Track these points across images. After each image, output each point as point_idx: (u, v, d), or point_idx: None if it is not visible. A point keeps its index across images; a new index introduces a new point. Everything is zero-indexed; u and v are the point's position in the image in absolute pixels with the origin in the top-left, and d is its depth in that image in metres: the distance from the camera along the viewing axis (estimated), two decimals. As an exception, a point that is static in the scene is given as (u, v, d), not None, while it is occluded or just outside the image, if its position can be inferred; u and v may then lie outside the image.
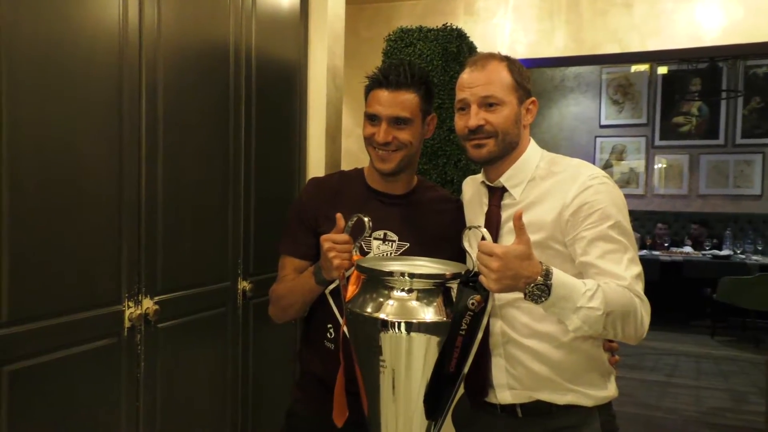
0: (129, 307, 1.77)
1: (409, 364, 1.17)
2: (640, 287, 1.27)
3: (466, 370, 1.22)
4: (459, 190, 2.58)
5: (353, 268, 1.30)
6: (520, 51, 3.93)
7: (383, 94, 1.50)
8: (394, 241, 1.54)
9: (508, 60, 1.43)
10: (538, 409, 1.36)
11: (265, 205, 2.38)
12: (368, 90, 1.56)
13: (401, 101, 1.49)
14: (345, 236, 1.34)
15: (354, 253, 1.34)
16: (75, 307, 1.61)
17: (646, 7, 3.70)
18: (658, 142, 7.86)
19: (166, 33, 1.88)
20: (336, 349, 1.49)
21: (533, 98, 1.44)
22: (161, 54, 1.87)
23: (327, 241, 1.35)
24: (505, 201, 1.43)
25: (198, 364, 2.08)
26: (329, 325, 1.55)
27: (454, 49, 2.49)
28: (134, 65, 1.77)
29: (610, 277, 1.25)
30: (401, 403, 1.19)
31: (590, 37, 3.79)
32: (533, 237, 1.29)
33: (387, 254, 1.53)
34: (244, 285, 2.29)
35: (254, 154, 2.33)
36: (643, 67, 7.69)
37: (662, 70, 7.61)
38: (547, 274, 1.15)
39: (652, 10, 3.69)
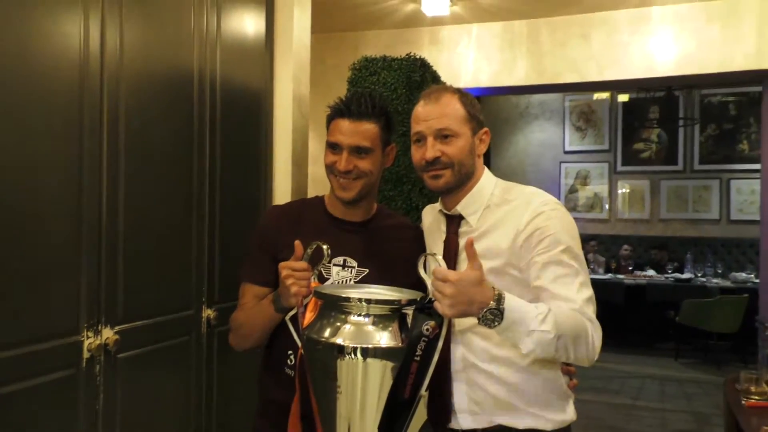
0: (88, 338, 1.74)
1: (364, 390, 1.17)
2: (591, 310, 1.30)
3: (421, 394, 1.22)
4: None
5: (312, 295, 1.30)
6: (483, 80, 4.03)
7: (345, 124, 1.52)
8: (354, 267, 1.55)
9: (459, 93, 1.46)
10: None
11: (230, 233, 2.37)
12: (330, 119, 1.58)
13: (362, 131, 1.52)
14: (303, 264, 1.35)
15: (312, 280, 1.35)
16: (32, 338, 1.58)
17: (603, 39, 3.83)
18: (620, 168, 8.07)
19: (128, 59, 1.88)
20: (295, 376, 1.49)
21: (486, 128, 1.48)
22: (123, 81, 1.87)
23: (285, 268, 1.35)
24: (462, 228, 1.45)
25: (160, 394, 2.04)
26: (290, 352, 1.54)
27: (418, 78, 2.54)
28: (95, 92, 1.77)
29: (562, 301, 1.28)
30: (356, 429, 1.19)
31: (550, 67, 3.90)
32: (490, 264, 1.32)
33: (346, 280, 1.54)
34: (208, 313, 2.26)
35: (219, 182, 2.32)
36: (604, 95, 7.93)
37: (623, 97, 7.86)
38: (500, 299, 1.17)
39: (608, 41, 3.83)
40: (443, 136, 1.41)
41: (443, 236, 1.49)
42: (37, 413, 1.59)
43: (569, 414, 1.42)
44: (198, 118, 2.22)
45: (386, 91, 2.50)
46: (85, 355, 1.73)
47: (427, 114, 1.43)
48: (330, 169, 1.55)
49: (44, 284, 1.62)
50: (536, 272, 1.32)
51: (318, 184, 3.81)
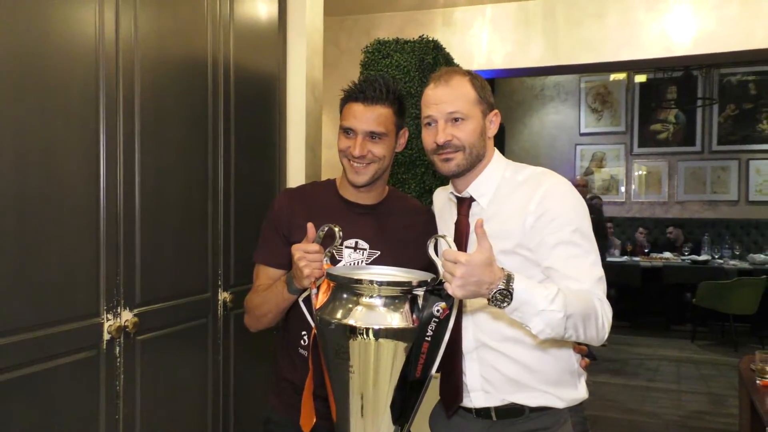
0: (108, 320, 1.78)
1: (376, 370, 1.18)
2: (601, 290, 1.31)
3: (432, 374, 1.24)
4: None
5: (324, 276, 1.32)
6: (498, 61, 3.99)
7: (359, 109, 1.52)
8: (365, 249, 1.56)
9: (470, 75, 1.46)
10: (511, 412, 1.39)
11: (244, 217, 2.40)
12: (343, 103, 1.58)
13: (376, 116, 1.52)
14: (315, 246, 1.35)
15: (325, 262, 1.36)
16: (53, 320, 1.62)
17: (619, 18, 3.78)
18: (636, 150, 7.98)
19: (143, 45, 1.90)
20: (308, 357, 1.52)
21: (496, 110, 1.47)
22: (138, 67, 1.88)
23: (298, 250, 1.36)
24: (473, 210, 1.46)
25: (178, 375, 2.08)
26: (303, 332, 1.57)
27: (431, 60, 2.53)
28: (111, 78, 1.79)
29: (572, 280, 1.29)
30: (369, 408, 1.21)
31: (565, 47, 3.85)
32: (502, 245, 1.33)
33: (358, 262, 1.55)
34: (224, 296, 2.29)
35: (233, 165, 2.34)
36: (620, 76, 7.82)
37: (640, 78, 7.75)
38: (509, 280, 1.17)
39: (624, 20, 3.77)
40: (454, 119, 1.41)
41: (454, 218, 1.49)
42: (60, 393, 1.63)
43: (581, 392, 1.43)
44: (212, 103, 2.23)
45: (399, 73, 2.49)
46: (105, 336, 1.77)
47: (437, 97, 1.42)
48: (344, 153, 1.55)
49: (65, 268, 1.65)
50: (547, 252, 1.33)
51: (332, 169, 3.82)
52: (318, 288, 1.32)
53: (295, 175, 2.74)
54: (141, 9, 1.89)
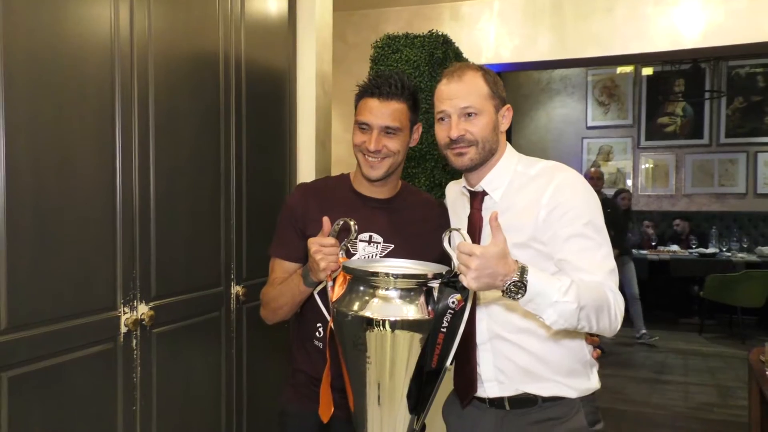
0: (125, 313, 1.81)
1: (393, 360, 1.21)
2: (613, 282, 1.34)
3: (447, 365, 1.27)
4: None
5: (340, 269, 1.34)
6: (505, 55, 4.00)
7: (375, 104, 1.55)
8: (379, 243, 1.59)
9: (482, 70, 1.48)
10: (524, 402, 1.41)
11: (256, 211, 2.42)
12: (359, 98, 1.60)
13: (392, 111, 1.54)
14: (331, 239, 1.38)
15: (340, 255, 1.38)
16: (72, 314, 1.65)
17: (627, 11, 3.77)
18: (643, 143, 7.96)
19: (156, 43, 1.92)
20: (325, 348, 1.54)
21: (508, 105, 1.49)
22: (152, 64, 1.91)
23: (314, 244, 1.38)
24: (486, 204, 1.48)
25: (193, 367, 2.11)
26: (318, 325, 1.60)
27: (440, 54, 2.54)
28: (126, 76, 1.81)
29: (584, 273, 1.31)
30: (386, 397, 1.23)
31: (573, 41, 3.86)
32: (515, 238, 1.34)
33: (372, 255, 1.58)
34: (237, 290, 2.32)
35: (245, 160, 2.37)
36: (628, 69, 7.79)
37: (647, 71, 7.71)
38: (523, 272, 1.19)
39: (633, 14, 3.77)
40: (467, 114, 1.43)
41: (467, 212, 1.51)
42: (80, 384, 1.67)
43: (593, 382, 1.46)
44: (224, 99, 2.26)
45: (409, 68, 2.50)
46: (123, 329, 1.80)
47: (450, 92, 1.44)
48: (359, 148, 1.58)
49: (83, 263, 1.68)
50: (560, 245, 1.35)
51: (340, 164, 3.84)
52: (334, 281, 1.34)
53: (306, 170, 2.76)
54: (155, 6, 1.91)
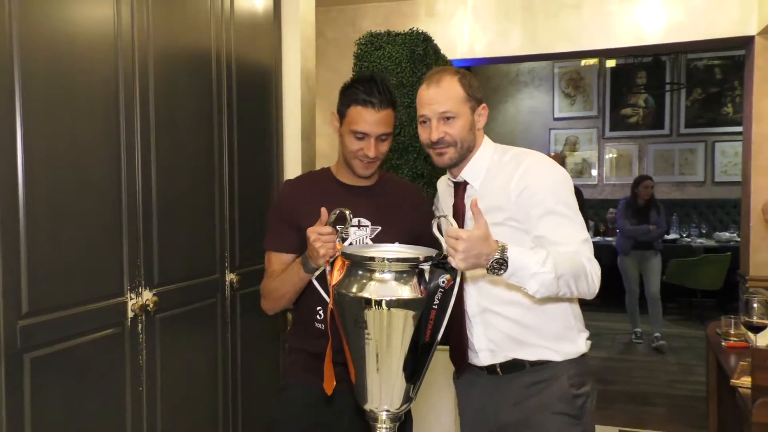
0: (131, 299, 1.91)
1: (390, 336, 1.31)
2: (587, 249, 1.48)
3: (439, 338, 1.39)
4: (429, 184, 2.77)
5: (338, 255, 1.44)
6: (479, 50, 4.15)
7: (371, 115, 1.65)
8: (368, 226, 1.72)
9: (459, 74, 1.61)
10: (514, 366, 1.57)
11: (247, 203, 2.53)
12: (348, 105, 1.68)
13: (385, 119, 1.66)
14: (329, 228, 1.49)
15: (337, 242, 1.50)
16: (84, 299, 1.75)
17: (594, 9, 3.96)
18: (608, 133, 8.24)
19: (155, 40, 2.01)
20: (326, 328, 1.65)
21: (483, 104, 1.63)
22: (152, 63, 2.00)
23: (313, 233, 1.48)
24: (468, 192, 1.63)
25: (193, 350, 2.22)
26: (318, 308, 1.72)
27: (421, 51, 2.67)
28: (129, 75, 1.90)
29: (560, 246, 1.46)
30: (384, 369, 1.34)
31: (543, 37, 4.03)
32: (494, 218, 1.48)
33: (363, 238, 1.72)
34: (231, 277, 2.43)
35: (237, 154, 2.47)
36: (592, 61, 8.03)
37: (611, 63, 7.97)
38: (503, 250, 1.34)
39: (599, 11, 3.96)
40: (445, 118, 1.57)
41: (452, 201, 1.67)
42: (92, 366, 1.77)
43: (580, 346, 1.60)
44: (216, 95, 2.35)
45: (391, 64, 2.63)
46: (130, 314, 1.90)
47: (430, 98, 1.58)
48: (354, 154, 1.69)
49: (92, 252, 1.78)
50: (534, 223, 1.50)
51: (323, 157, 3.95)
52: (332, 266, 1.44)
53: (292, 164, 2.87)
54: (153, 6, 1.99)
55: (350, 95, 1.68)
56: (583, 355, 1.61)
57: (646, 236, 5.59)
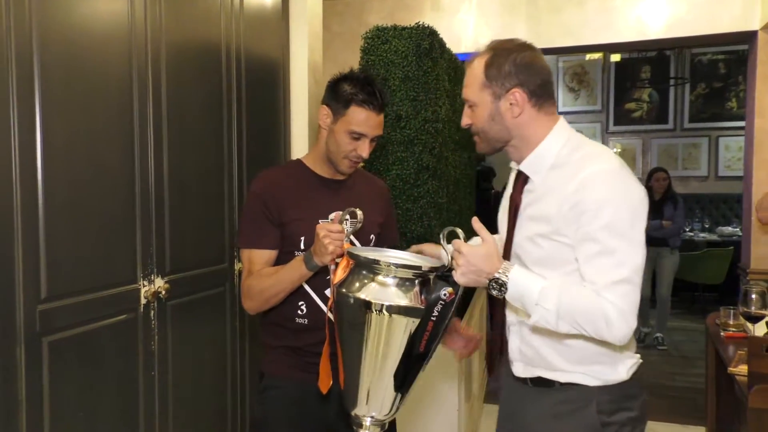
0: (144, 286, 1.97)
1: (386, 341, 1.28)
2: (616, 294, 1.25)
3: (433, 349, 1.33)
4: (434, 176, 2.82)
5: (345, 254, 1.43)
6: (484, 44, 4.18)
7: (372, 117, 1.64)
8: (348, 219, 1.66)
9: (491, 53, 1.40)
10: (543, 383, 1.45)
11: (255, 193, 2.58)
12: (347, 104, 1.63)
13: (382, 122, 1.69)
14: (339, 226, 1.48)
15: (345, 241, 1.48)
16: (100, 286, 1.80)
17: (598, 4, 3.99)
18: (612, 128, 8.26)
19: (167, 34, 2.06)
20: (309, 323, 1.67)
21: (514, 89, 1.38)
22: (164, 56, 2.05)
23: (323, 230, 1.46)
24: (527, 187, 1.44)
25: (202, 336, 2.28)
26: (301, 303, 1.68)
27: (426, 45, 2.71)
28: (143, 68, 1.95)
29: (587, 281, 1.29)
30: (376, 375, 1.33)
31: (547, 31, 4.06)
32: (539, 229, 1.37)
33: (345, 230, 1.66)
34: (239, 266, 2.48)
35: (245, 146, 2.52)
36: (596, 56, 8.04)
37: (615, 57, 7.98)
38: (505, 271, 1.26)
39: (602, 6, 3.99)
40: (469, 105, 1.45)
41: (510, 192, 1.51)
42: (106, 350, 1.83)
43: (620, 373, 1.40)
44: (226, 89, 2.40)
45: (397, 58, 2.67)
46: (143, 301, 1.96)
47: (464, 81, 1.47)
48: (346, 154, 1.66)
49: (108, 240, 1.83)
50: (578, 246, 1.31)
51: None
52: (336, 264, 1.43)
53: (299, 155, 2.89)
54: (165, 1, 2.04)
55: (349, 94, 1.63)
56: (623, 382, 1.42)
57: (659, 232, 5.28)
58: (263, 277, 1.63)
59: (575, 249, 1.31)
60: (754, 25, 3.80)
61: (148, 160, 1.98)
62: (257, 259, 1.67)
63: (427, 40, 2.68)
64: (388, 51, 2.66)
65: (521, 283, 1.27)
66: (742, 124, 5.22)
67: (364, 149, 1.65)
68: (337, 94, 1.66)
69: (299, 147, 2.91)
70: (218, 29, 2.36)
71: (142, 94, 1.95)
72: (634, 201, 1.31)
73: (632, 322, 1.25)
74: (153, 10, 1.99)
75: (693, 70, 7.83)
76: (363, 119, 1.63)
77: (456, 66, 3.45)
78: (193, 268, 2.22)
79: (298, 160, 1.82)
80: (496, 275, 1.27)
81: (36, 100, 1.59)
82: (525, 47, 1.41)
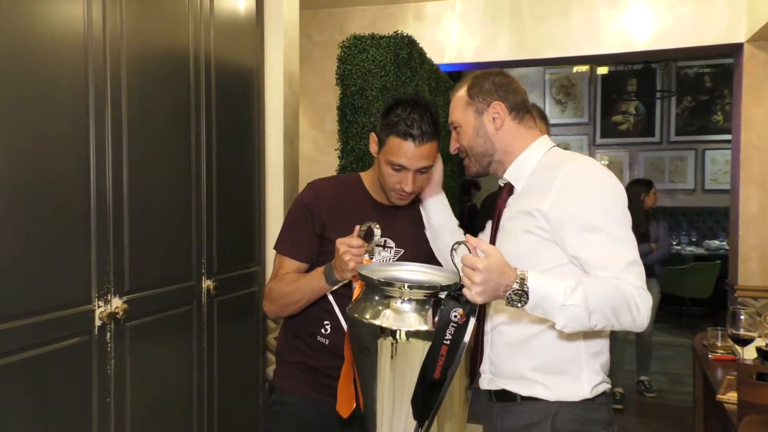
0: (99, 306, 1.84)
1: (400, 366, 1.23)
2: (633, 275, 1.24)
3: (451, 376, 1.23)
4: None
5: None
6: (467, 55, 4.11)
7: (410, 149, 1.51)
8: (392, 247, 1.66)
9: (472, 79, 1.49)
10: (505, 396, 1.41)
11: (226, 207, 2.47)
12: (387, 133, 1.55)
13: (427, 153, 1.53)
14: (359, 241, 1.42)
15: (365, 257, 1.43)
16: (49, 307, 1.68)
17: (582, 15, 3.93)
18: (599, 140, 8.23)
19: (129, 40, 1.95)
20: (329, 344, 1.62)
21: (495, 102, 1.44)
22: (125, 61, 1.94)
23: (343, 245, 1.41)
24: (513, 195, 1.47)
25: (165, 359, 2.15)
26: (326, 322, 1.63)
27: (405, 55, 2.62)
28: (99, 73, 1.84)
29: (598, 269, 1.25)
30: (392, 400, 1.26)
31: (531, 42, 4.00)
32: (523, 224, 1.36)
33: (387, 259, 1.64)
34: (208, 284, 2.37)
35: (215, 157, 2.41)
36: (583, 68, 8.03)
37: (602, 70, 7.98)
38: (523, 280, 1.17)
39: (587, 17, 3.93)
40: (454, 128, 1.50)
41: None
42: (55, 376, 1.70)
43: (583, 388, 1.35)
44: (194, 96, 2.29)
45: (375, 68, 2.58)
46: (97, 322, 1.84)
47: (449, 111, 1.53)
48: (391, 186, 1.58)
49: (59, 257, 1.71)
50: (570, 240, 1.30)
51: (306, 161, 3.90)
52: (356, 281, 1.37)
53: (274, 167, 2.81)
54: (126, 4, 1.94)
55: (391, 123, 1.54)
56: (586, 400, 1.35)
57: (648, 258, 4.45)
58: (285, 282, 1.62)
59: (567, 244, 1.30)
60: (740, 38, 3.75)
61: (105, 171, 1.87)
62: (287, 266, 1.66)
63: (405, 50, 2.60)
64: (365, 60, 2.57)
65: (541, 287, 1.18)
66: (728, 137, 5.18)
67: (407, 182, 1.54)
68: (382, 120, 1.57)
69: (274, 157, 2.82)
70: (186, 35, 2.26)
71: (99, 102, 1.84)
72: (616, 190, 1.35)
73: (650, 306, 1.24)
74: (113, 15, 1.89)
75: (679, 84, 7.83)
76: (401, 151, 1.52)
77: (437, 76, 3.36)
78: (156, 286, 2.10)
79: (357, 177, 1.73)
80: (516, 286, 1.17)
81: (-24, 107, 1.47)
82: (503, 72, 1.52)
